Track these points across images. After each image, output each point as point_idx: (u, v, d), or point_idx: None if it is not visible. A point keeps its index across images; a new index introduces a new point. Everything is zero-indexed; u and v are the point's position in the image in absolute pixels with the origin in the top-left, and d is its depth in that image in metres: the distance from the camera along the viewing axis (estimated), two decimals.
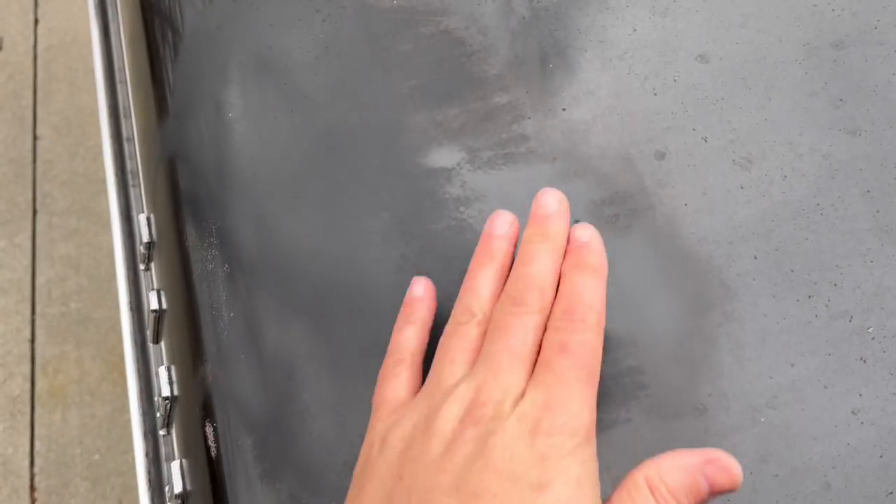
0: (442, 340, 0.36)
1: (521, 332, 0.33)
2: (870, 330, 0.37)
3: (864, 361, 0.36)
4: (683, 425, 0.36)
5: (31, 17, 1.63)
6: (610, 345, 0.37)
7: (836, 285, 0.38)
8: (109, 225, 0.67)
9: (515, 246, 0.37)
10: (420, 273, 0.40)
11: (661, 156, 0.41)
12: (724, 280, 0.38)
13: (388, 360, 0.37)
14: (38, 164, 1.49)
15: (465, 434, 0.31)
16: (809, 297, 0.38)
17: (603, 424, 0.36)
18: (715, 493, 0.32)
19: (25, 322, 1.38)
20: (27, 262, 1.42)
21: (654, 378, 0.37)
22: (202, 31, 0.49)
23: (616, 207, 0.40)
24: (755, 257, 0.39)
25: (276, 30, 0.47)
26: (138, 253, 0.52)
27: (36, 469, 1.28)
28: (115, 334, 1.38)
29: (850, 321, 0.37)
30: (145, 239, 0.49)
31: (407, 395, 0.35)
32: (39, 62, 1.58)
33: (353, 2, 0.47)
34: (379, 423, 0.35)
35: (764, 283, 0.38)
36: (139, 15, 0.54)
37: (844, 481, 0.34)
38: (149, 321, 0.49)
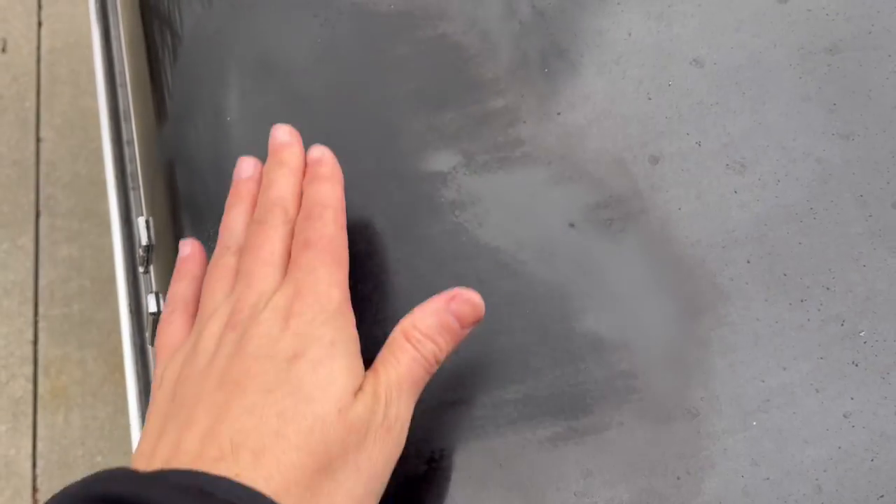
0: (204, 281, 0.38)
1: (268, 244, 0.36)
2: (862, 334, 0.37)
3: (856, 365, 0.36)
4: (675, 429, 0.36)
5: (35, 20, 1.63)
6: (603, 348, 0.38)
7: (828, 289, 0.38)
8: (110, 227, 0.67)
9: (259, 185, 0.40)
10: (416, 277, 0.40)
11: (655, 160, 0.41)
12: (717, 284, 0.38)
13: (163, 313, 0.39)
14: (42, 166, 1.50)
15: (225, 339, 0.34)
16: (802, 300, 0.38)
17: (595, 428, 0.36)
18: (465, 325, 0.36)
19: (28, 324, 1.39)
20: (30, 263, 1.42)
21: (647, 382, 0.37)
22: (201, 35, 0.50)
23: (610, 211, 0.40)
24: (748, 261, 0.39)
25: (274, 34, 0.48)
26: (137, 256, 0.52)
27: (38, 470, 1.28)
28: (118, 336, 1.38)
29: (843, 325, 0.37)
30: (144, 242, 0.49)
31: (183, 337, 0.37)
32: (43, 64, 1.58)
33: (350, 6, 0.47)
34: (159, 367, 0.37)
35: (757, 286, 0.38)
36: (139, 19, 0.54)
37: (836, 485, 0.35)
38: (148, 323, 0.49)
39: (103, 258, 1.42)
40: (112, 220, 0.59)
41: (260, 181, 0.40)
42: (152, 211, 0.51)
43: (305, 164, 0.40)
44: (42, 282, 1.40)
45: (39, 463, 1.28)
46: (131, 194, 0.60)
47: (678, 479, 0.35)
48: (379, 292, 0.40)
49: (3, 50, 1.58)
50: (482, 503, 0.35)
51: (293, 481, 0.29)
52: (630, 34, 0.45)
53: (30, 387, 1.34)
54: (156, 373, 0.36)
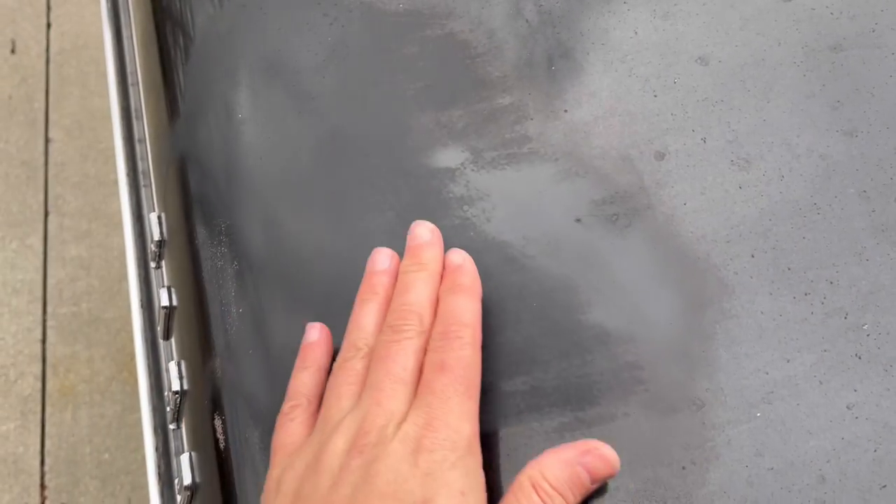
0: (329, 379, 0.37)
1: (401, 358, 0.35)
2: (865, 327, 0.37)
3: (860, 358, 0.37)
4: (680, 420, 0.37)
5: (44, 22, 1.64)
6: (609, 340, 0.38)
7: (832, 283, 0.38)
8: (121, 226, 0.68)
9: (394, 280, 0.39)
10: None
11: (660, 156, 0.42)
12: (722, 278, 0.39)
13: (285, 406, 0.37)
14: (50, 166, 1.51)
15: (351, 465, 0.32)
16: (806, 294, 0.38)
17: (601, 419, 0.37)
18: (596, 481, 0.34)
19: (37, 322, 1.40)
20: (39, 263, 1.43)
21: (653, 373, 0.37)
22: (212, 34, 0.50)
23: (616, 206, 0.41)
24: (753, 256, 0.39)
25: (284, 33, 0.48)
26: (149, 251, 0.53)
27: (46, 467, 1.29)
28: (126, 334, 1.39)
29: (846, 318, 0.38)
30: (156, 237, 0.50)
31: (302, 438, 0.36)
32: (52, 66, 1.59)
33: (359, 5, 0.48)
34: (275, 469, 0.35)
35: (761, 280, 0.39)
36: (151, 18, 0.55)
37: (839, 475, 0.35)
38: (159, 318, 0.50)
39: (111, 258, 1.43)
40: (123, 216, 0.60)
41: (395, 276, 0.38)
42: (164, 207, 0.52)
43: (444, 269, 0.38)
44: (51, 281, 1.41)
45: (47, 460, 1.29)
46: (142, 191, 0.60)
47: (683, 468, 0.36)
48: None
49: (13, 51, 1.59)
50: (490, 493, 0.36)
51: None
52: (636, 32, 0.45)
53: (38, 385, 1.35)
54: (271, 473, 0.35)
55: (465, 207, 0.42)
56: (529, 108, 0.44)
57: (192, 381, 0.46)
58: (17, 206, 1.46)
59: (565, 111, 0.44)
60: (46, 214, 1.46)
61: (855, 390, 0.36)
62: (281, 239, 0.43)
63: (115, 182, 0.63)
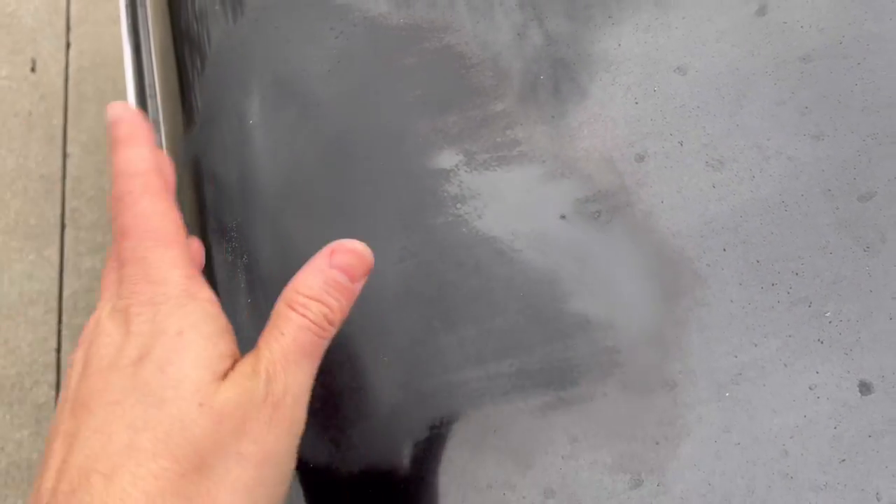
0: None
1: (113, 249, 0.34)
2: (827, 315, 0.40)
3: (822, 343, 0.40)
4: (655, 399, 0.39)
5: (63, 41, 1.70)
6: (590, 327, 0.41)
7: (797, 274, 0.41)
8: None
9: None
10: (421, 264, 0.44)
11: (640, 158, 0.45)
12: (696, 270, 0.42)
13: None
14: (68, 180, 1.55)
15: (75, 360, 0.32)
16: (773, 284, 0.41)
17: (581, 398, 0.40)
18: (355, 278, 0.33)
19: (52, 332, 1.43)
20: (55, 274, 1.47)
21: (629, 357, 0.40)
22: (227, 46, 0.54)
23: (598, 204, 0.44)
24: (724, 249, 0.42)
25: (293, 45, 0.52)
26: None
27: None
28: None
29: (810, 306, 0.41)
30: None
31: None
32: (70, 83, 1.64)
33: (363, 20, 0.51)
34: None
35: (731, 272, 0.42)
36: (169, 32, 0.59)
37: (801, 449, 0.38)
38: None
39: None
40: None
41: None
42: (179, 208, 0.55)
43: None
44: (66, 292, 1.45)
45: None
46: None
47: (657, 444, 0.38)
48: (387, 278, 0.44)
49: (33, 70, 1.64)
50: (478, 465, 0.39)
51: (157, 492, 0.27)
52: (619, 44, 0.48)
53: (52, 393, 1.38)
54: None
55: (459, 205, 0.45)
56: (519, 114, 0.47)
57: None
58: (35, 218, 1.51)
59: (552, 117, 0.47)
60: (63, 227, 1.50)
61: (817, 372, 0.39)
62: (287, 234, 0.46)
63: None
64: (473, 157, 0.46)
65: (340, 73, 0.50)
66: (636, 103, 0.46)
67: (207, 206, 0.51)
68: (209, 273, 0.49)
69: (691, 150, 0.45)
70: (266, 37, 0.53)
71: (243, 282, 0.46)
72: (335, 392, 0.42)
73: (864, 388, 0.39)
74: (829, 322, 0.40)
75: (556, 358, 0.41)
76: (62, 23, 1.70)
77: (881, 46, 0.46)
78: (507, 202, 0.45)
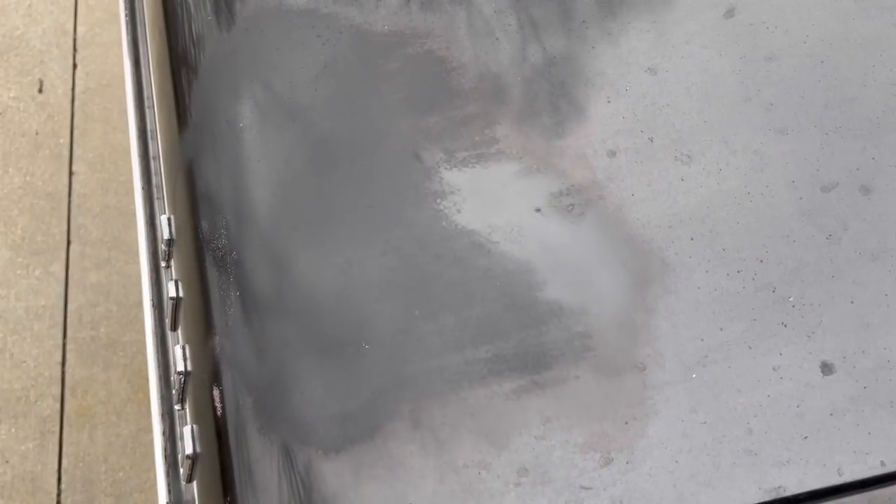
0: None
1: None
2: (790, 299, 0.42)
3: (785, 326, 0.41)
4: (624, 381, 0.41)
5: (70, 62, 1.73)
6: (563, 314, 0.43)
7: (762, 261, 0.43)
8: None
9: None
10: (403, 256, 0.46)
11: (612, 154, 0.47)
12: (664, 258, 0.44)
13: None
14: (73, 197, 1.58)
15: None
16: (738, 271, 0.43)
17: (555, 381, 0.41)
18: None
19: (57, 346, 1.45)
20: (60, 289, 1.50)
21: (601, 341, 0.42)
22: (219, 54, 0.56)
23: (572, 198, 0.46)
24: (692, 239, 0.44)
25: (281, 52, 0.54)
26: (160, 251, 0.59)
27: (63, 485, 1.33)
28: (142, 357, 1.44)
29: (774, 292, 0.42)
30: (166, 237, 0.55)
31: None
32: (77, 103, 1.67)
33: (348, 27, 0.54)
34: None
35: (698, 260, 0.43)
36: (165, 44, 0.61)
37: (765, 427, 0.39)
38: (168, 309, 0.55)
39: (129, 284, 1.49)
40: (138, 225, 0.65)
41: None
42: (173, 210, 0.57)
43: None
44: (71, 306, 1.47)
45: (64, 478, 1.33)
46: (156, 203, 0.66)
47: (626, 423, 0.40)
48: (371, 270, 0.45)
49: (40, 90, 1.68)
50: (455, 446, 0.40)
51: None
52: (594, 47, 0.51)
53: (57, 406, 1.40)
54: None
55: (439, 200, 0.47)
56: (497, 114, 0.49)
57: (195, 362, 0.51)
58: (42, 235, 1.53)
59: (529, 116, 0.49)
60: (69, 243, 1.53)
61: (780, 354, 0.41)
62: (275, 230, 0.48)
63: (135, 212, 0.68)
64: (453, 155, 0.48)
65: (327, 78, 0.52)
66: (608, 102, 0.48)
67: (199, 206, 0.53)
68: (201, 269, 0.51)
69: (661, 145, 0.47)
70: (256, 45, 0.55)
71: (232, 275, 0.48)
72: (319, 378, 0.44)
73: (826, 368, 0.40)
74: (793, 306, 0.42)
75: (531, 343, 0.42)
76: (69, 45, 1.74)
77: (843, 45, 0.48)
78: (485, 197, 0.47)
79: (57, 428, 1.41)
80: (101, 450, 1.39)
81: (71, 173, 1.64)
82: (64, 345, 1.48)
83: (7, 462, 1.39)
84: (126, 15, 0.76)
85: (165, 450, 0.57)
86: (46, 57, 1.75)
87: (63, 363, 1.46)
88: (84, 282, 1.54)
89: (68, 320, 1.49)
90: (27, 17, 1.81)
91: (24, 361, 1.47)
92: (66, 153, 1.66)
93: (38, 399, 1.42)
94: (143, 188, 0.67)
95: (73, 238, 1.58)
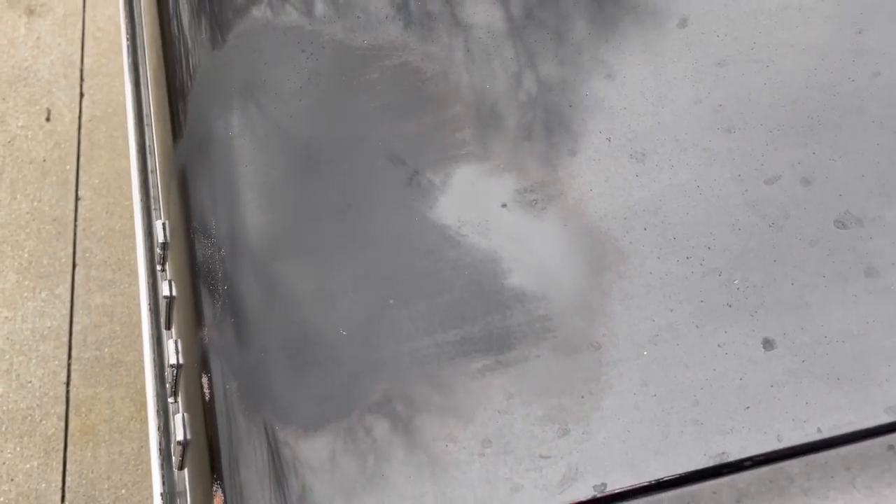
0: None
1: None
2: (735, 283, 0.45)
3: (730, 306, 0.44)
4: (581, 359, 0.44)
5: (77, 92, 1.79)
6: (525, 299, 0.46)
7: (709, 248, 0.46)
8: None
9: None
10: (379, 249, 0.49)
11: (572, 153, 0.50)
12: (619, 247, 0.47)
13: None
14: (79, 221, 1.62)
15: None
16: (687, 258, 0.46)
17: (517, 361, 0.45)
18: None
19: (62, 366, 1.49)
20: (66, 311, 1.53)
21: (560, 323, 0.45)
22: (211, 68, 0.60)
23: (535, 194, 0.49)
24: (645, 229, 0.47)
25: (269, 65, 0.58)
26: (156, 255, 0.62)
27: (66, 503, 1.36)
28: (144, 377, 1.47)
29: (720, 276, 0.45)
30: (161, 241, 0.59)
31: None
32: (83, 131, 1.73)
33: (331, 42, 0.58)
34: None
35: (651, 248, 0.47)
36: (161, 56, 0.65)
37: (710, 399, 0.42)
38: (163, 308, 0.58)
39: (133, 305, 1.53)
40: (136, 231, 0.69)
41: None
42: (168, 215, 0.61)
43: None
44: (76, 327, 1.51)
45: (68, 496, 1.35)
46: (153, 213, 0.70)
47: (582, 397, 0.43)
48: (349, 262, 0.49)
49: (48, 119, 1.73)
50: (426, 420, 0.44)
51: None
52: (556, 55, 0.54)
53: (62, 425, 1.43)
54: None
55: (413, 198, 0.50)
56: (467, 119, 0.53)
57: (186, 355, 0.54)
58: (48, 258, 1.57)
59: (496, 120, 0.52)
60: (74, 266, 1.57)
61: (725, 332, 0.44)
62: (260, 227, 0.52)
63: (134, 222, 0.72)
64: (427, 156, 0.52)
65: (310, 89, 0.56)
66: (570, 106, 0.52)
67: (191, 209, 0.56)
68: (192, 266, 0.54)
69: (618, 145, 0.50)
70: (246, 58, 0.59)
71: (221, 271, 0.52)
72: (300, 362, 0.47)
73: (768, 344, 0.43)
74: (737, 289, 0.45)
75: (496, 327, 0.45)
76: (76, 75, 1.80)
77: (788, 51, 0.51)
78: (455, 194, 0.50)
79: (61, 446, 1.44)
80: (104, 467, 1.42)
81: (77, 198, 1.69)
82: (69, 365, 1.51)
83: (12, 480, 1.42)
84: (127, 39, 0.80)
85: (160, 443, 0.60)
86: (54, 87, 1.81)
87: (68, 383, 1.49)
88: (89, 303, 1.58)
89: (73, 341, 1.53)
90: (35, 48, 1.87)
91: (30, 381, 1.51)
92: (72, 179, 1.71)
93: (43, 418, 1.45)
94: (141, 200, 0.71)
95: (78, 261, 1.62)
